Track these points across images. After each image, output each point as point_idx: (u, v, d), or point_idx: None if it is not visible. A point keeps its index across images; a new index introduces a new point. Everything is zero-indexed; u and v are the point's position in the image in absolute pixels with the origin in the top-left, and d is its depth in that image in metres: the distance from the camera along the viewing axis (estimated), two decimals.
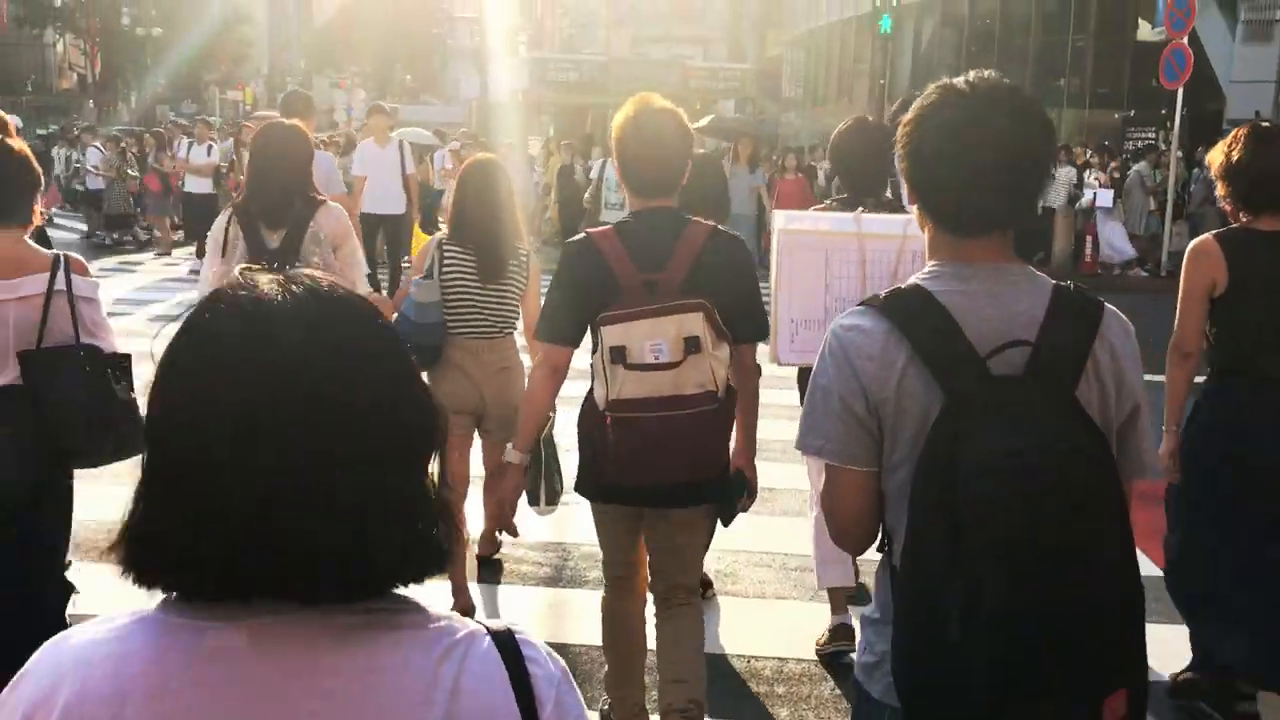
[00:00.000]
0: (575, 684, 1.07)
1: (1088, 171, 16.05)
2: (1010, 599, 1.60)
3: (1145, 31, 22.34)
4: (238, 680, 0.96)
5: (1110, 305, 1.84)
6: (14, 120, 3.54)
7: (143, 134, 21.11)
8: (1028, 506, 1.60)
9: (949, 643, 1.63)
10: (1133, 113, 22.34)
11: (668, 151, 3.03)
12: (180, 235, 16.83)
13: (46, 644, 1.01)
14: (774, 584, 4.81)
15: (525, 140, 22.11)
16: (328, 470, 0.96)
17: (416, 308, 4.19)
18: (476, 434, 4.41)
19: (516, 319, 4.41)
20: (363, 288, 4.45)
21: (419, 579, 1.02)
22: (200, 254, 15.29)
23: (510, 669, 1.02)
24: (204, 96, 52.01)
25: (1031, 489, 1.61)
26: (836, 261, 3.20)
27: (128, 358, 3.31)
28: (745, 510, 3.17)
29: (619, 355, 2.85)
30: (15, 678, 1.00)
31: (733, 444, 3.08)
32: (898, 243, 3.24)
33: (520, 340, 4.40)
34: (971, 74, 1.84)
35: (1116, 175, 16.18)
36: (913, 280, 1.85)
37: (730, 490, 3.08)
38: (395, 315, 4.28)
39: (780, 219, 3.40)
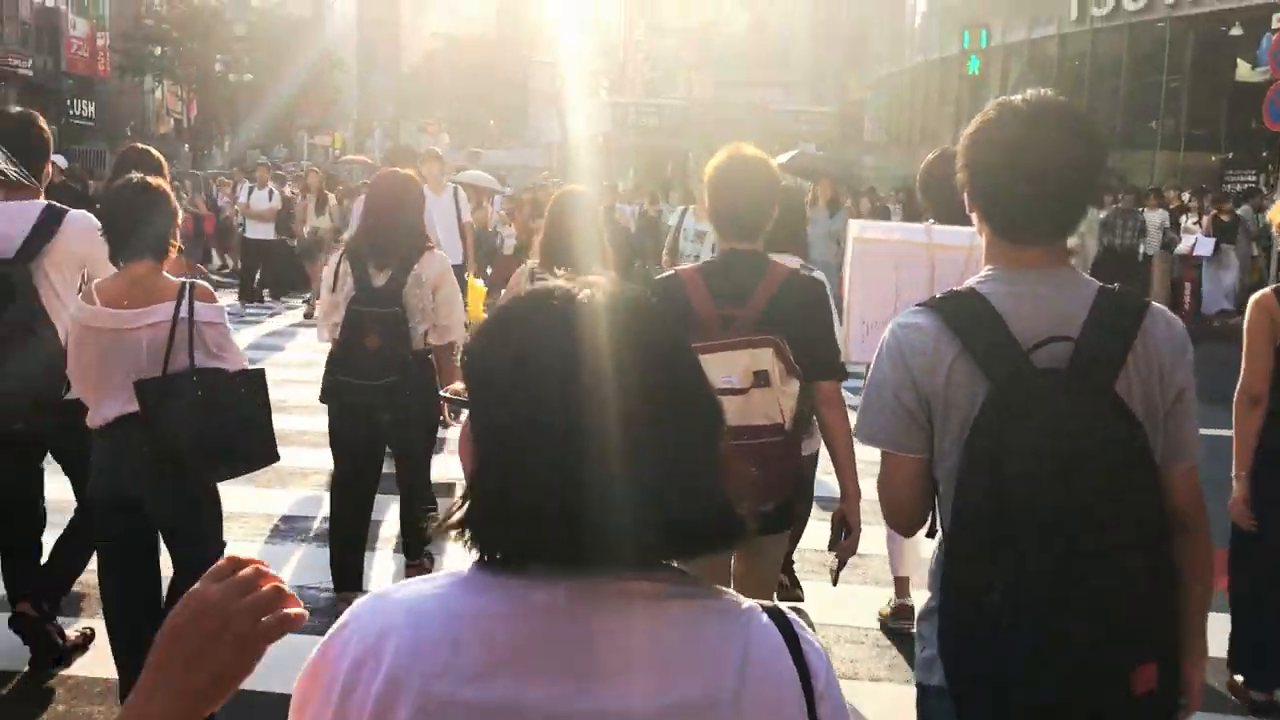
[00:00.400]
0: None
1: (1184, 216, 15.47)
2: (1048, 573, 1.77)
3: (1245, 71, 21.65)
4: (559, 634, 1.06)
5: (1157, 305, 1.96)
6: (60, 161, 3.80)
7: (216, 177, 21.59)
8: (1064, 490, 1.76)
9: (991, 610, 1.79)
10: (1231, 155, 21.64)
11: (755, 198, 3.19)
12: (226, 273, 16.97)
13: (365, 600, 1.11)
14: (866, 663, 4.43)
15: (605, 184, 22.13)
16: (637, 446, 1.05)
17: None
18: None
19: None
20: (457, 331, 4.63)
21: (716, 550, 1.13)
22: (250, 299, 15.50)
23: (789, 644, 1.11)
24: (294, 141, 53.35)
25: (1067, 473, 1.76)
26: (906, 269, 3.33)
27: (260, 373, 3.53)
28: (848, 554, 3.19)
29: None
30: (332, 631, 1.09)
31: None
32: (965, 252, 3.35)
33: None
34: (1029, 92, 1.97)
35: (1225, 219, 15.44)
36: (968, 283, 2.00)
37: (792, 520, 3.25)
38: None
39: (855, 227, 3.60)
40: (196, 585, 1.04)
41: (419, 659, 1.06)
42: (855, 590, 4.97)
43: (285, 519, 5.99)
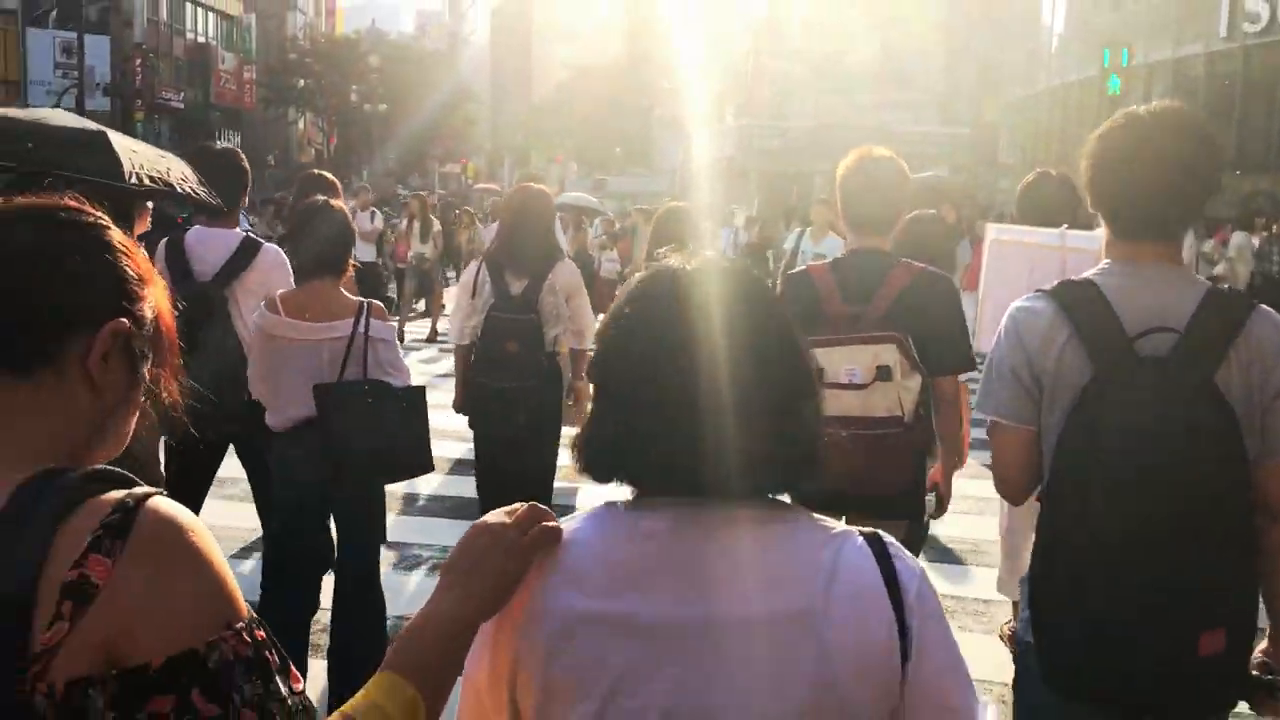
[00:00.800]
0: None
1: None
2: (1130, 537, 1.96)
3: None
4: (669, 553, 1.26)
5: (1266, 307, 2.09)
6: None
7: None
8: (1151, 467, 1.94)
9: (1075, 568, 2.00)
10: None
11: (885, 195, 3.37)
12: None
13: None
14: None
15: (728, 208, 21.87)
16: (742, 395, 1.24)
17: None
18: None
19: None
20: (590, 338, 5.00)
21: (804, 484, 1.31)
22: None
23: (879, 562, 1.26)
24: (428, 170, 54.71)
25: (1156, 453, 1.94)
26: (1040, 269, 3.45)
27: (421, 390, 3.82)
28: (936, 518, 3.51)
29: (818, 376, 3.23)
30: None
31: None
32: (1096, 255, 3.82)
33: None
34: (1154, 103, 2.20)
35: None
36: (1085, 274, 2.19)
37: (919, 509, 3.37)
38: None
39: (992, 230, 3.78)
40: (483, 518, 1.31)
41: (556, 581, 1.28)
42: (980, 639, 4.66)
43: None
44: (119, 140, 4.25)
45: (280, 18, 60.01)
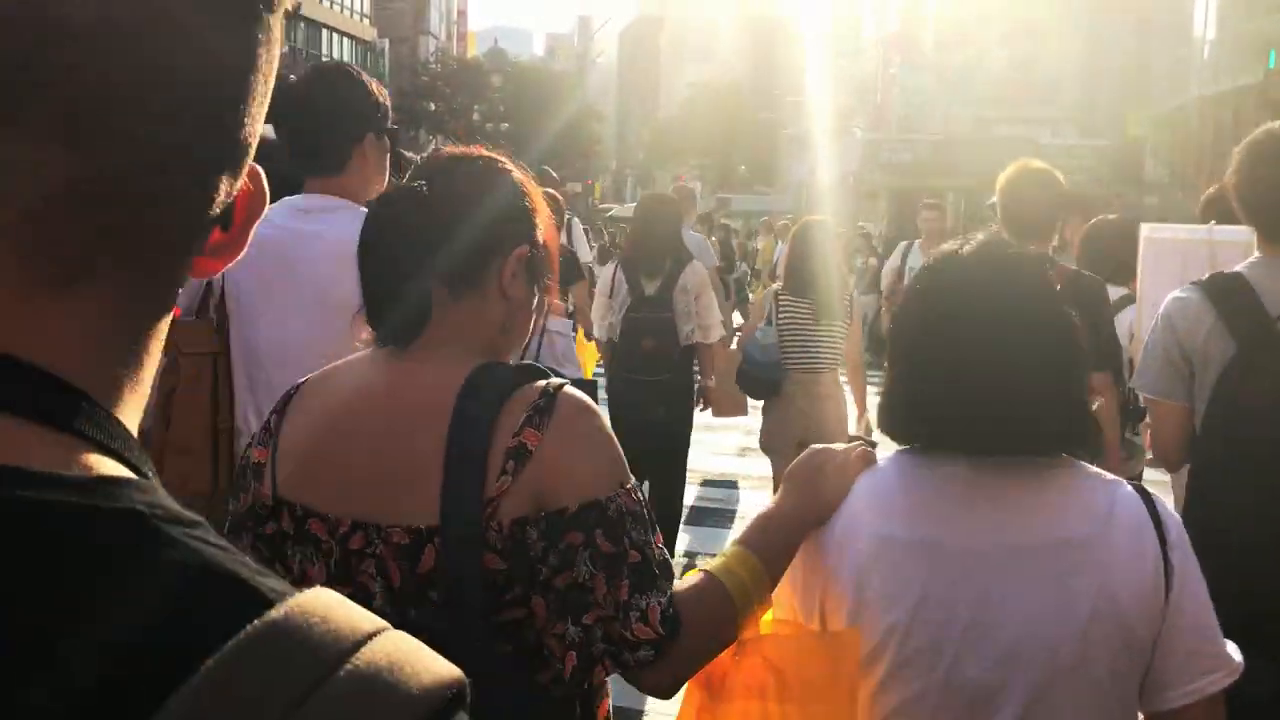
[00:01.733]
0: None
1: None
2: (1262, 498, 2.21)
3: None
4: (966, 492, 1.47)
5: None
6: None
7: None
8: None
9: (1221, 530, 2.16)
10: None
11: (1041, 203, 3.70)
12: None
13: None
14: None
15: (854, 225, 21.06)
16: (1028, 362, 1.43)
17: (760, 349, 5.15)
18: None
19: (841, 355, 5.26)
20: (716, 333, 5.54)
21: (1078, 447, 1.50)
22: None
23: (1146, 506, 1.45)
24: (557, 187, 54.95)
25: None
26: (1192, 263, 3.59)
27: (593, 383, 4.07)
28: None
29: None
30: None
31: None
32: (1243, 248, 3.79)
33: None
34: None
35: None
36: (1234, 268, 2.50)
37: None
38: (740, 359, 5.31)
39: (1145, 229, 4.00)
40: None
41: (866, 511, 1.50)
42: None
43: None
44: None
45: (413, 42, 61.43)
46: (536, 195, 1.53)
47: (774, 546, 1.50)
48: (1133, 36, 34.15)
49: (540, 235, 1.52)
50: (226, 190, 0.58)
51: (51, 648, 0.44)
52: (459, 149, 1.55)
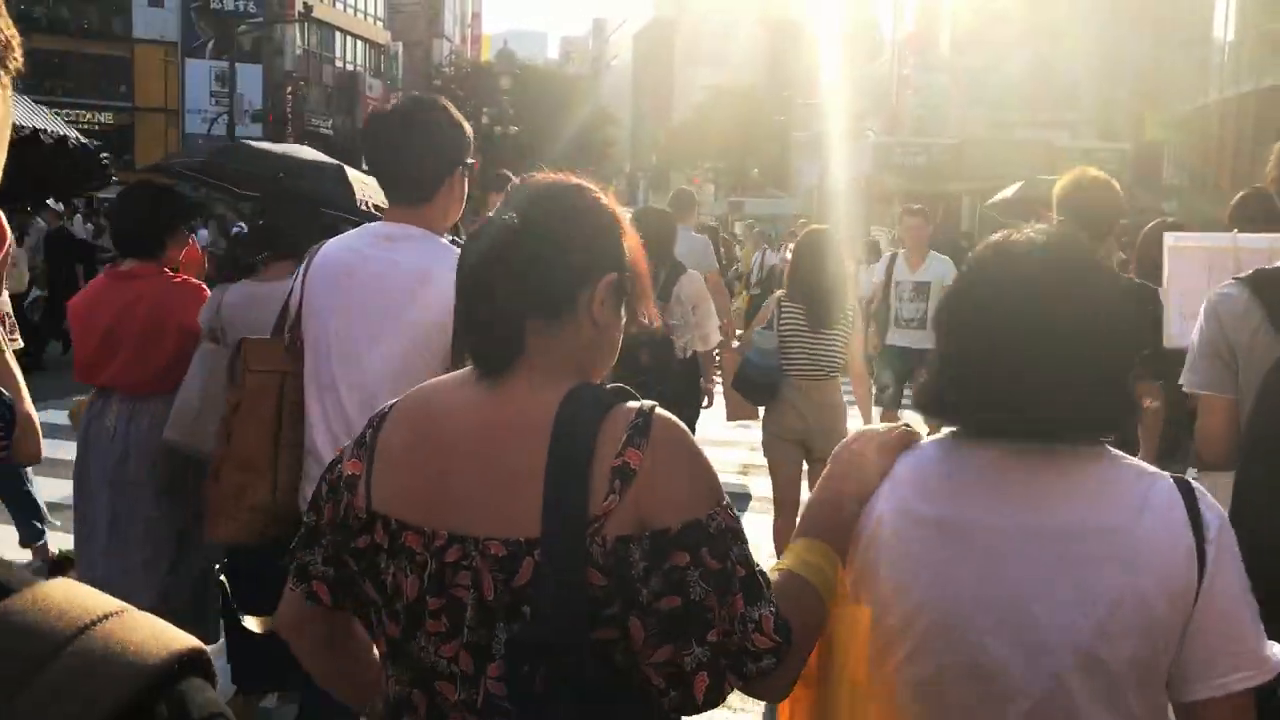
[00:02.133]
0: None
1: None
2: None
3: None
4: (997, 476, 1.50)
5: None
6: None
7: None
8: None
9: (1257, 537, 1.96)
10: None
11: (1099, 211, 3.83)
12: None
13: None
14: None
15: (866, 230, 20.73)
16: (1073, 351, 1.45)
17: (759, 353, 5.18)
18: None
19: (842, 364, 5.27)
20: (714, 339, 5.77)
21: (1113, 432, 1.53)
22: None
23: (1185, 498, 1.45)
24: None
25: None
26: (1217, 269, 3.61)
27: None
28: None
29: None
30: None
31: None
32: (1266, 254, 3.80)
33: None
34: None
35: None
36: (1275, 264, 2.53)
37: None
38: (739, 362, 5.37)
39: (1170, 238, 3.94)
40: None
41: (898, 489, 1.56)
42: None
43: None
44: (352, 173, 5.16)
45: (426, 45, 61.34)
46: (624, 219, 1.60)
47: (835, 529, 1.59)
48: (1150, 38, 33.68)
49: (628, 259, 1.58)
50: None
51: None
52: (549, 175, 1.60)
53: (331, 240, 2.80)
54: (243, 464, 2.75)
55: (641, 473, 1.38)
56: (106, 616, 0.55)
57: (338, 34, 50.96)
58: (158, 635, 0.56)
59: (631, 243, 1.58)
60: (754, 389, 5.25)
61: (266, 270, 3.80)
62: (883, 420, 7.71)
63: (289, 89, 43.92)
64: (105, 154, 6.23)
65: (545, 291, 1.48)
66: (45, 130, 5.26)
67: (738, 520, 1.44)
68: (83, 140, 5.74)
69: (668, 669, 1.37)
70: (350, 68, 52.25)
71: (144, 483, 3.87)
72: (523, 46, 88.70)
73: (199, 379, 3.63)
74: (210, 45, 41.85)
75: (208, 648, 0.62)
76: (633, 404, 1.45)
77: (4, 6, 0.67)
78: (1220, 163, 30.16)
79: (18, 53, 0.69)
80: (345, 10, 51.85)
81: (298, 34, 46.29)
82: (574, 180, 1.59)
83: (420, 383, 1.63)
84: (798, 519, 1.64)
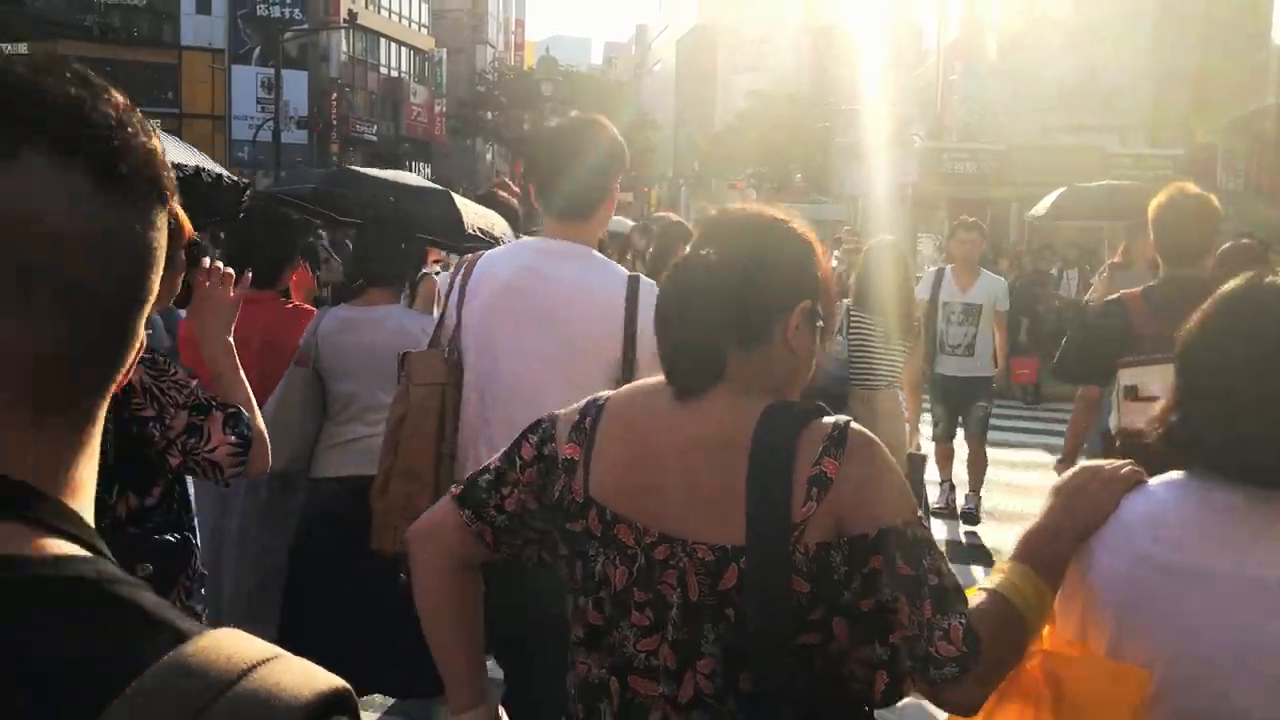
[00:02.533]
0: None
1: None
2: None
3: None
4: (1236, 524, 1.45)
5: None
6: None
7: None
8: None
9: None
10: None
11: (1194, 227, 3.77)
12: None
13: None
14: None
15: (913, 237, 20.44)
16: None
17: (836, 363, 5.11)
18: None
19: (898, 375, 5.28)
20: None
21: None
22: None
23: None
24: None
25: None
26: None
27: None
28: None
29: (1130, 392, 3.53)
30: None
31: None
32: None
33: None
34: None
35: None
36: None
37: None
38: None
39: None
40: None
41: (1128, 532, 1.51)
42: None
43: None
44: (457, 198, 5.29)
45: (470, 52, 61.63)
46: (817, 245, 1.67)
47: (1048, 560, 1.55)
48: (1200, 42, 33.03)
49: (821, 286, 1.64)
50: (136, 351, 0.77)
51: (26, 672, 0.60)
52: (746, 207, 1.70)
53: (490, 253, 2.91)
54: (410, 475, 2.81)
55: (837, 480, 1.46)
56: (264, 661, 0.62)
57: (382, 40, 51.28)
58: (309, 677, 0.63)
59: (824, 269, 1.66)
60: (827, 400, 5.15)
61: (362, 297, 3.83)
62: (937, 456, 7.43)
63: (334, 95, 44.24)
64: (247, 183, 5.75)
65: (743, 323, 1.58)
66: (205, 170, 5.02)
67: (930, 532, 1.51)
68: (219, 171, 5.30)
69: (864, 668, 1.48)
70: (395, 74, 52.55)
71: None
72: (566, 52, 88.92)
73: (273, 400, 3.63)
74: (256, 52, 42.25)
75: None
76: (829, 419, 1.54)
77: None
78: (1276, 166, 29.50)
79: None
80: (390, 17, 52.18)
81: (343, 40, 46.64)
82: (769, 213, 1.67)
83: (591, 393, 1.71)
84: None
